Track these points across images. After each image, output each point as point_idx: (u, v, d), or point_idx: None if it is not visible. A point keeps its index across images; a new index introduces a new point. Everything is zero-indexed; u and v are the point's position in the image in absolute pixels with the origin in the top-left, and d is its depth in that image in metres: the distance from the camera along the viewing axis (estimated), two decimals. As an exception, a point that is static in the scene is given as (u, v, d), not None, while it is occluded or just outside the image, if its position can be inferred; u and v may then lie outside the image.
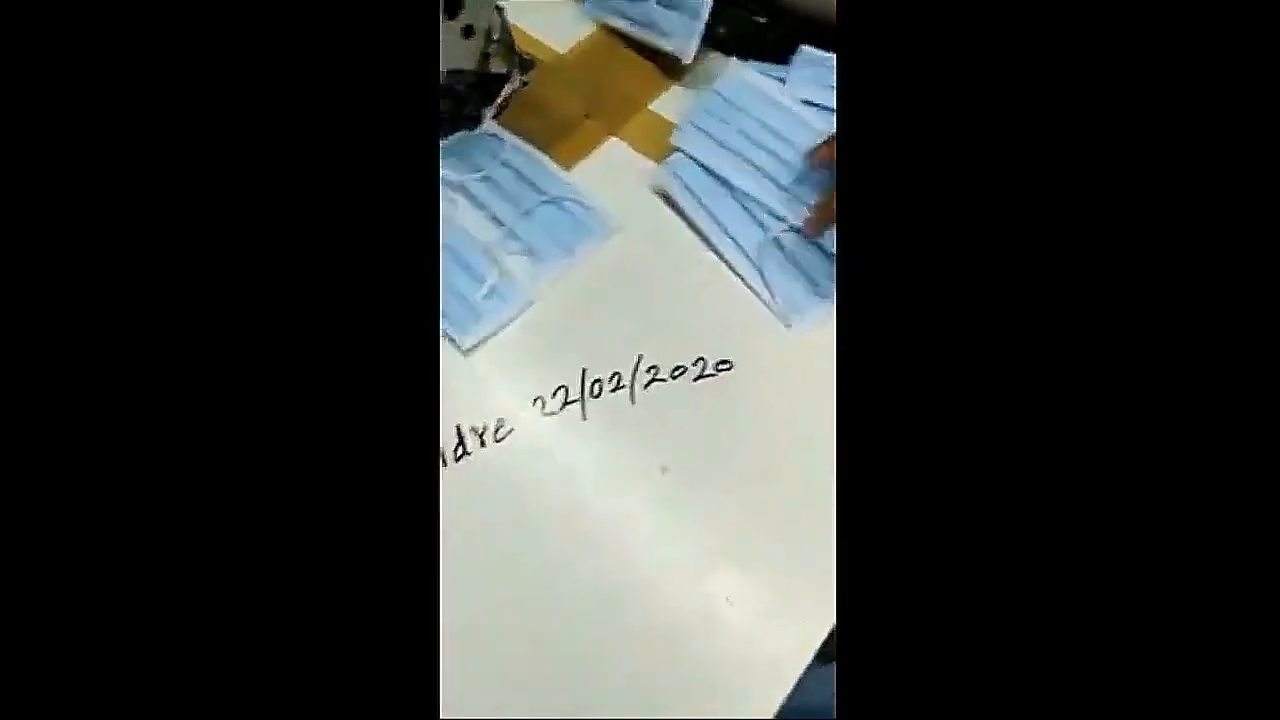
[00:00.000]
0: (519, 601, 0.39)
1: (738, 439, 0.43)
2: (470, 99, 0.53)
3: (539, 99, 0.56)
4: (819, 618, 0.38)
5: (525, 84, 0.56)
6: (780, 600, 0.39)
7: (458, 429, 0.43)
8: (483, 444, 0.43)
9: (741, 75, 0.53)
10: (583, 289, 0.48)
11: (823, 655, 0.38)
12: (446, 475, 0.42)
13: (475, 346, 0.46)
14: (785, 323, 0.47)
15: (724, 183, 0.50)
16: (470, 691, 0.36)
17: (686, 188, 0.50)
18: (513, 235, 0.50)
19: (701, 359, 0.45)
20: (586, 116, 0.55)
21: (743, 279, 0.48)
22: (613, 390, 0.45)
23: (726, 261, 0.49)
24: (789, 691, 0.37)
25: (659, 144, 0.53)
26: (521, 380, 0.45)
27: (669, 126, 0.53)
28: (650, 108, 0.56)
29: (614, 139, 0.54)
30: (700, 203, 0.50)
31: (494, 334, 0.46)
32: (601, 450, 0.43)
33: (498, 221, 0.50)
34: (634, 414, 0.44)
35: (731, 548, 0.40)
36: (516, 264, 0.49)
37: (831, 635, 0.38)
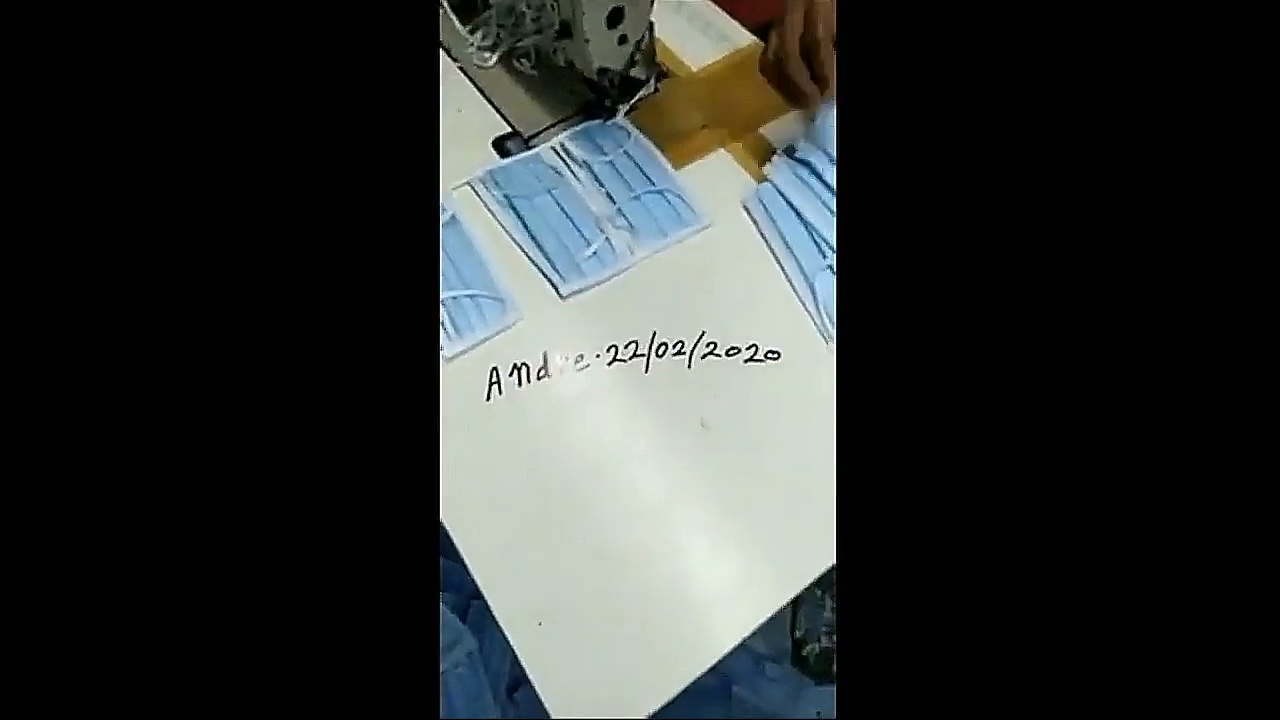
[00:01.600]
0: (548, 492, 0.48)
1: (772, 415, 0.51)
2: (611, 94, 0.62)
3: (666, 105, 0.65)
4: (800, 573, 0.46)
5: (657, 90, 0.65)
6: (774, 551, 0.47)
7: (544, 355, 0.53)
8: (562, 371, 0.52)
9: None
10: (668, 268, 0.57)
11: (794, 603, 0.46)
12: (529, 388, 0.51)
13: (571, 295, 0.55)
14: (825, 337, 0.55)
15: (798, 214, 0.58)
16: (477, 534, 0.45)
17: (766, 210, 0.59)
18: (621, 213, 0.59)
19: (755, 345, 0.54)
20: (703, 127, 0.64)
21: (797, 293, 0.56)
22: (675, 354, 0.53)
23: (787, 276, 0.57)
24: (753, 629, 0.45)
25: (760, 164, 0.62)
26: (602, 329, 0.54)
27: (771, 152, 0.62)
28: (761, 131, 0.65)
29: (722, 151, 0.63)
30: (775, 224, 0.58)
31: (588, 288, 0.56)
32: (656, 398, 0.51)
33: (611, 199, 0.60)
34: (689, 376, 0.52)
35: (746, 498, 0.48)
36: (619, 236, 0.58)
37: (811, 587, 0.46)
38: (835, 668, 0.88)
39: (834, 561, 0.47)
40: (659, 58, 0.66)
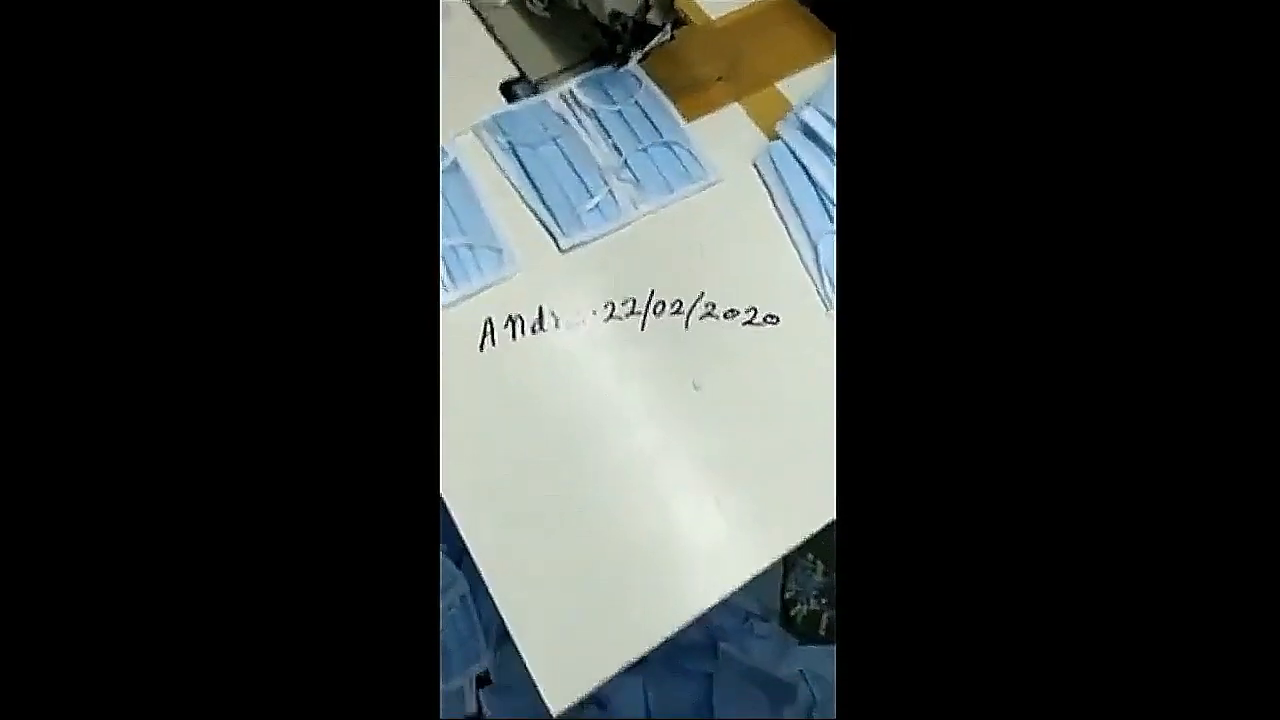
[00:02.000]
0: (536, 444, 0.47)
1: (765, 380, 0.51)
2: (623, 40, 0.60)
3: (681, 54, 0.63)
4: (785, 536, 0.46)
5: (673, 38, 0.63)
6: (760, 514, 0.47)
7: (540, 309, 0.52)
8: (557, 326, 0.52)
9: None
10: (671, 224, 0.56)
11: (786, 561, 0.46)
12: (523, 341, 0.51)
13: (571, 248, 0.54)
14: (825, 303, 0.53)
15: (808, 173, 0.57)
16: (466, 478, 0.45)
17: (775, 168, 0.57)
18: (627, 165, 0.57)
19: (754, 308, 0.53)
20: (719, 79, 0.62)
21: (800, 256, 0.55)
22: (673, 313, 0.52)
23: (792, 238, 0.55)
24: (733, 588, 0.45)
25: (773, 120, 0.60)
26: (600, 285, 0.53)
27: (787, 108, 0.60)
28: (778, 86, 0.62)
29: (736, 105, 0.61)
30: (783, 183, 0.56)
31: (589, 242, 0.55)
32: (650, 356, 0.51)
33: (617, 150, 0.58)
34: (685, 336, 0.52)
35: (733, 461, 0.48)
36: (623, 190, 0.57)
37: (803, 549, 0.46)
38: (836, 633, 0.89)
39: (820, 527, 0.47)
40: (677, 4, 0.64)
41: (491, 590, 0.44)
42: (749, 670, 0.85)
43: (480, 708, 0.84)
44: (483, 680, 0.86)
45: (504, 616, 0.43)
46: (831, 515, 0.47)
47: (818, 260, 0.54)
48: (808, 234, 0.55)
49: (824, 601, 0.92)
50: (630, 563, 0.45)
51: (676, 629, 0.44)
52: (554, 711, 0.42)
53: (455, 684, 0.84)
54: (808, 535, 0.46)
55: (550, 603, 0.44)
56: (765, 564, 0.46)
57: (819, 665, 0.89)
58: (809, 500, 0.46)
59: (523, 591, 0.44)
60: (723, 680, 0.85)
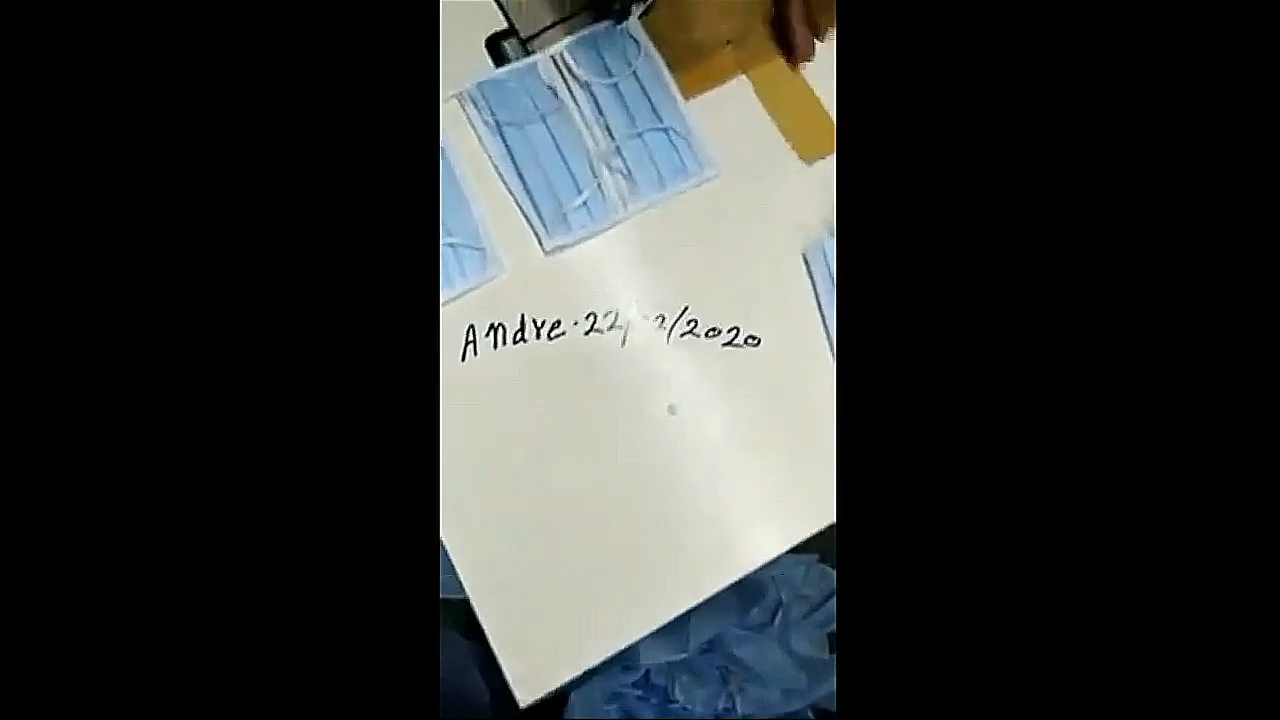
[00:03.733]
0: (512, 462, 0.50)
1: (738, 406, 0.51)
2: (622, -1, 0.54)
3: (686, 11, 0.56)
4: (751, 559, 0.50)
5: (680, -13, 0.56)
6: (724, 544, 0.50)
7: (522, 317, 0.52)
8: (538, 336, 0.52)
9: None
10: (663, 226, 0.54)
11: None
12: (505, 351, 0.51)
13: (555, 250, 0.53)
14: (821, 314, 0.52)
15: None
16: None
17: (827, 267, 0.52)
18: (619, 152, 0.54)
19: (736, 328, 0.52)
20: (728, 43, 0.56)
21: (808, 267, 0.53)
22: (655, 328, 0.52)
23: (804, 254, 0.53)
24: (701, 599, 0.49)
25: (781, 102, 0.55)
26: (583, 293, 0.52)
27: (799, 86, 0.55)
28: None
29: (744, 78, 0.56)
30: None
31: (573, 244, 0.53)
32: (628, 374, 0.51)
33: (610, 134, 0.54)
34: (664, 354, 0.52)
35: (700, 490, 0.50)
36: (613, 183, 0.54)
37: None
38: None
39: (786, 549, 0.50)
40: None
41: (473, 603, 0.49)
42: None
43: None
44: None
45: (486, 632, 0.48)
46: (796, 540, 0.50)
47: (813, 268, 0.52)
48: (820, 246, 0.52)
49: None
50: (599, 581, 0.49)
51: (643, 634, 0.49)
52: (521, 703, 0.48)
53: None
54: (772, 557, 0.49)
55: (523, 616, 0.48)
56: (728, 581, 0.49)
57: (790, 569, 0.97)
58: (777, 525, 0.49)
59: (495, 595, 0.48)
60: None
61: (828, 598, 0.98)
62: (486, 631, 0.48)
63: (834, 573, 1.00)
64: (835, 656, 0.95)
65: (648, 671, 0.93)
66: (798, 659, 0.95)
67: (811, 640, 0.97)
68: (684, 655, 0.91)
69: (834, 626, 0.96)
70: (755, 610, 0.95)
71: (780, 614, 0.95)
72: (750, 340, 0.52)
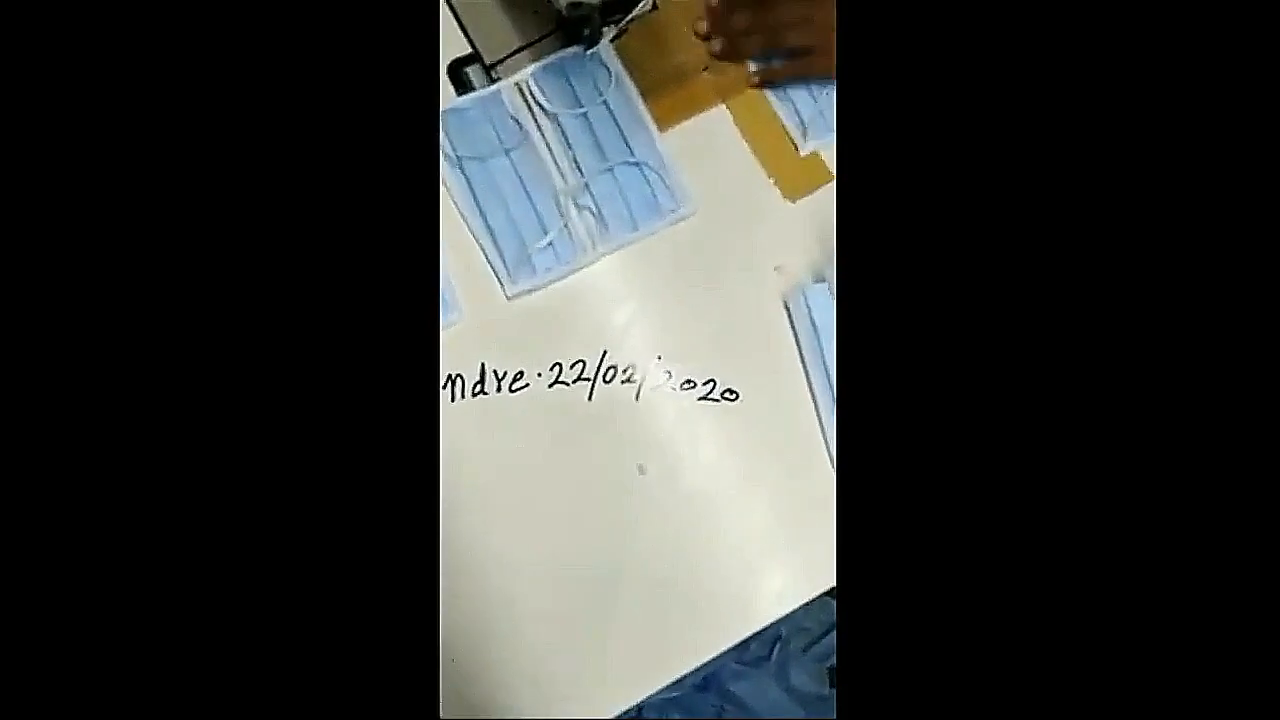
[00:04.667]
0: (467, 521, 0.47)
1: (717, 464, 0.48)
2: (592, 23, 0.50)
3: (662, 34, 0.52)
4: (720, 638, 0.46)
5: (655, 7, 0.52)
6: (688, 618, 0.46)
7: (482, 367, 0.49)
8: (499, 389, 0.48)
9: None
10: (635, 268, 0.50)
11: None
12: (462, 404, 0.48)
13: (518, 295, 0.49)
14: (805, 365, 0.48)
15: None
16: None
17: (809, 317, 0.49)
18: (588, 190, 0.50)
19: (712, 381, 0.48)
20: (705, 69, 0.52)
21: (790, 315, 0.49)
22: (624, 381, 0.49)
23: (786, 303, 0.49)
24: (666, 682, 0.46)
25: (760, 134, 0.51)
26: (547, 342, 0.49)
27: (777, 123, 0.51)
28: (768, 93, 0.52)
29: (722, 107, 0.52)
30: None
31: (539, 289, 0.49)
32: (596, 433, 0.48)
33: (578, 169, 0.50)
34: (634, 410, 0.48)
35: (671, 555, 0.47)
36: (581, 222, 0.50)
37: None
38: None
39: (763, 625, 0.47)
40: (667, -45, 0.52)
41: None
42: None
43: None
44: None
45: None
46: (773, 617, 0.46)
47: (803, 313, 0.48)
48: (802, 294, 0.49)
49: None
50: (566, 653, 0.46)
51: (611, 715, 0.46)
52: None
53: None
54: (745, 636, 0.46)
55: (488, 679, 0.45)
56: (692, 666, 0.46)
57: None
58: (752, 598, 0.46)
59: (450, 671, 0.45)
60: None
61: (828, 630, 0.94)
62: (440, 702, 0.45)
63: (834, 604, 0.96)
64: (835, 692, 0.92)
65: (640, 707, 0.90)
66: (796, 695, 0.92)
67: (811, 675, 0.93)
68: (677, 693, 0.88)
69: (834, 660, 0.93)
70: (754, 644, 0.92)
71: (779, 647, 0.92)
72: (728, 394, 0.48)
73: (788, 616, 1.01)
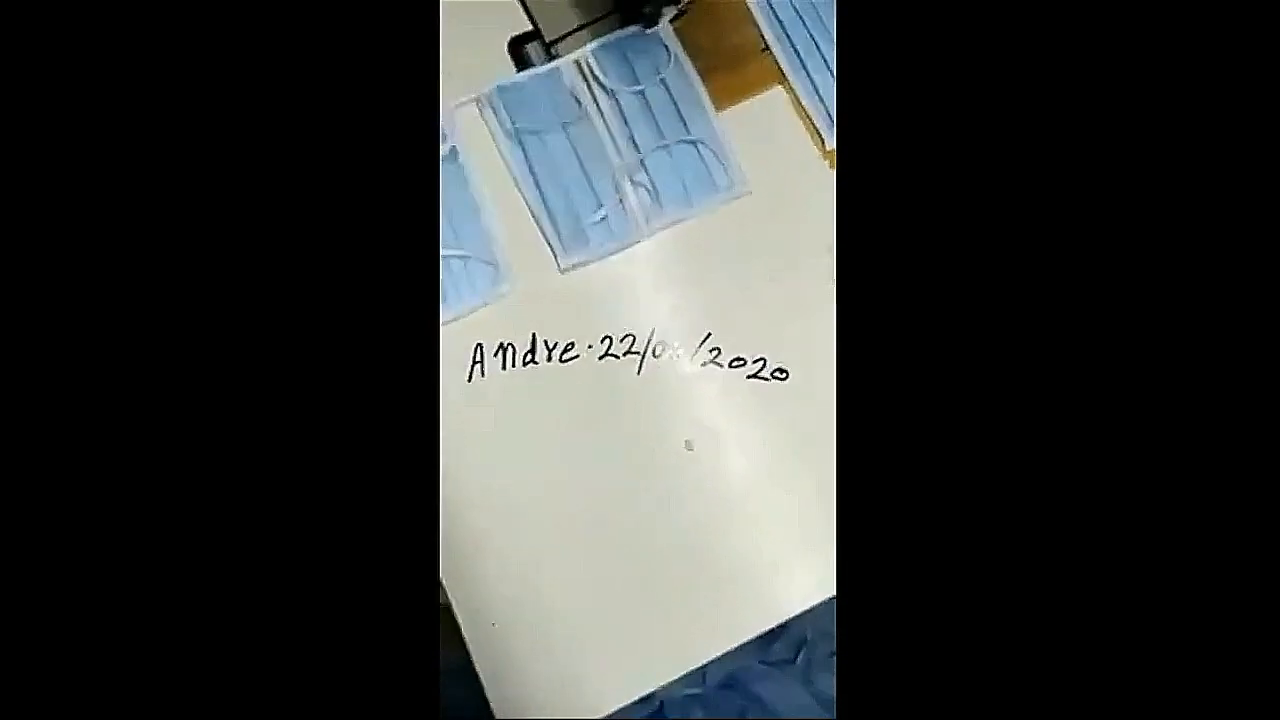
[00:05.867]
0: (516, 493, 0.47)
1: (764, 443, 0.47)
2: (652, 2, 0.50)
3: (720, 16, 0.53)
4: (757, 620, 0.46)
5: (717, -11, 0.53)
6: (726, 600, 0.46)
7: (533, 337, 0.49)
8: (549, 358, 0.49)
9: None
10: (688, 245, 0.50)
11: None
12: (513, 373, 0.48)
13: (571, 268, 0.49)
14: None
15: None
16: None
17: None
18: (643, 166, 0.50)
19: (762, 359, 0.48)
20: (764, 49, 0.53)
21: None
22: (674, 356, 0.48)
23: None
24: (709, 659, 0.45)
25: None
26: (598, 315, 0.49)
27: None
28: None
29: (779, 89, 0.52)
30: None
31: (590, 262, 0.50)
32: (643, 404, 0.48)
33: (635, 145, 0.51)
34: (682, 384, 0.48)
35: (715, 533, 0.46)
36: (635, 198, 0.50)
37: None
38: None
39: (800, 610, 0.46)
40: (729, -63, 0.53)
41: (465, 638, 0.45)
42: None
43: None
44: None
45: (476, 666, 0.45)
46: (807, 605, 0.46)
47: None
48: None
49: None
50: (606, 622, 0.45)
51: (658, 685, 0.45)
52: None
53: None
54: (780, 621, 0.45)
55: (518, 653, 0.45)
56: (732, 645, 0.46)
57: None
58: (805, 572, 0.45)
59: (491, 635, 0.45)
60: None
61: (855, 636, 0.93)
62: (478, 670, 0.45)
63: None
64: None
65: (661, 704, 0.89)
66: (822, 700, 0.90)
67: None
68: (700, 690, 0.87)
69: (861, 667, 0.91)
70: (778, 645, 0.90)
71: (804, 651, 0.90)
72: (778, 373, 0.48)
73: (814, 620, 0.99)
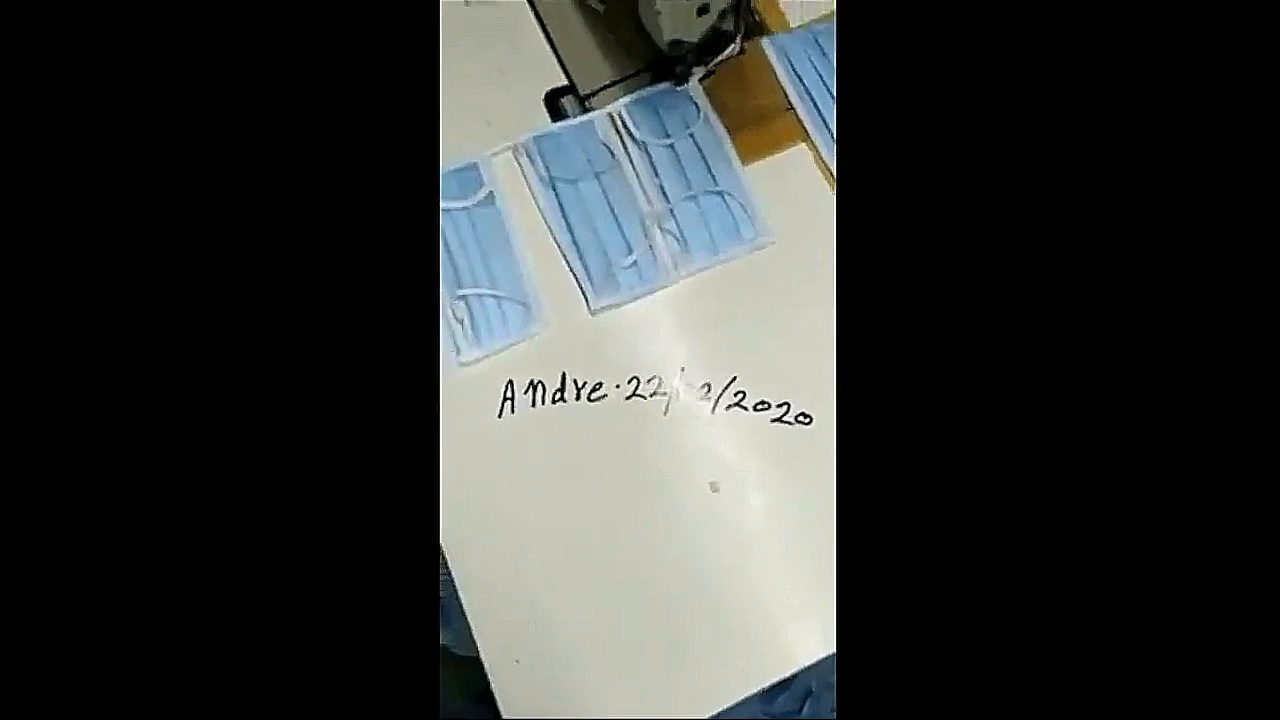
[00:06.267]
0: (545, 527, 0.47)
1: (788, 487, 0.48)
2: (685, 61, 0.53)
3: (748, 76, 0.56)
4: (778, 666, 0.46)
5: (743, 51, 0.55)
6: (753, 640, 0.46)
7: (563, 376, 0.50)
8: (578, 397, 0.50)
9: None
10: (714, 291, 0.52)
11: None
12: (542, 410, 0.49)
13: (601, 310, 0.51)
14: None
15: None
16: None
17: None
18: (672, 215, 0.53)
19: (786, 404, 0.50)
20: (788, 109, 0.55)
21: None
22: (701, 398, 0.50)
23: (850, 317, 0.51)
24: (720, 709, 0.46)
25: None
26: (626, 356, 0.50)
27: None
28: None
29: (803, 145, 0.55)
30: None
31: (620, 305, 0.51)
32: (670, 447, 0.49)
33: (664, 195, 0.53)
34: (709, 426, 0.49)
35: (737, 574, 0.47)
36: (665, 245, 0.52)
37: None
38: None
39: (815, 660, 0.47)
40: (756, 5, 0.56)
41: (489, 674, 0.45)
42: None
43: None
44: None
45: (499, 703, 0.45)
46: (822, 654, 0.46)
47: None
48: None
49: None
50: (623, 662, 0.46)
51: None
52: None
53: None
54: (803, 666, 0.46)
55: (540, 692, 0.45)
56: (744, 694, 0.46)
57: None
58: (823, 621, 0.46)
59: (512, 668, 0.45)
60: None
61: (860, 689, 0.92)
62: (499, 703, 0.45)
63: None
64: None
65: (665, 754, 0.88)
66: (825, 754, 0.89)
67: (841, 734, 0.91)
68: (704, 740, 0.86)
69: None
70: (783, 697, 0.90)
71: (809, 703, 0.89)
72: (802, 418, 0.49)
73: (820, 673, 0.98)
